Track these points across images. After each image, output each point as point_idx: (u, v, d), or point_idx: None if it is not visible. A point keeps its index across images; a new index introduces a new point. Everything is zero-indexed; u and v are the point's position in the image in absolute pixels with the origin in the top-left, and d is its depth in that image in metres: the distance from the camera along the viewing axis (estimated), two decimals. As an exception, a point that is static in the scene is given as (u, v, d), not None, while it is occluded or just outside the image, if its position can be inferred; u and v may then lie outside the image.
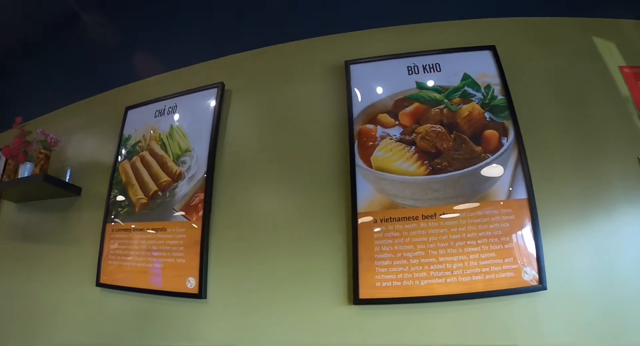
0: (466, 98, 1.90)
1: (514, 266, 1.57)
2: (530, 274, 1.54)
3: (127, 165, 2.45)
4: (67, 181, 2.64)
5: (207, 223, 2.04)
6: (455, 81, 1.95)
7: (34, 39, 3.50)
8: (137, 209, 2.28)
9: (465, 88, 1.92)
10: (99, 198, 2.51)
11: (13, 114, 2.88)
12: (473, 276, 1.58)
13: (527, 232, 1.62)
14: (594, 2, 2.14)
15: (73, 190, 2.61)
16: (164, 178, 2.25)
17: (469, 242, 1.63)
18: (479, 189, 1.71)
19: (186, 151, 2.26)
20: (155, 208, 2.22)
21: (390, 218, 1.74)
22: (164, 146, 2.36)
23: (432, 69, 2.01)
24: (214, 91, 2.35)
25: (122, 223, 2.30)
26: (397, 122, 1.92)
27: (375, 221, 1.75)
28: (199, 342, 1.88)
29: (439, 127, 1.85)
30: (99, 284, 2.24)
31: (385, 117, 1.94)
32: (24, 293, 2.57)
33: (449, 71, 1.99)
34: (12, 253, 2.80)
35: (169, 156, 2.31)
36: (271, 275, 1.87)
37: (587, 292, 1.53)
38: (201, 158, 2.19)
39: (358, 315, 1.68)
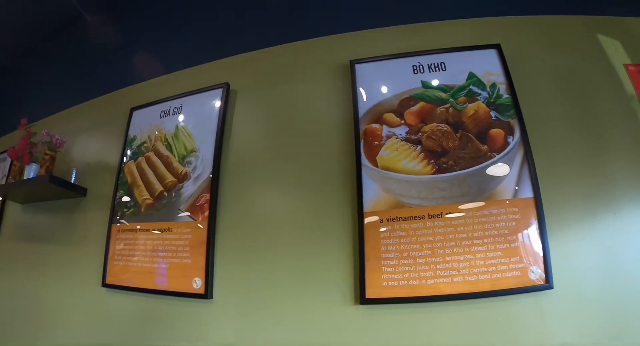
0: (472, 97, 1.89)
1: (520, 265, 1.56)
2: (536, 274, 1.54)
3: (132, 166, 2.45)
4: (72, 182, 2.64)
5: (213, 223, 2.04)
6: (461, 80, 1.94)
7: (38, 40, 3.52)
8: (142, 210, 2.28)
9: (471, 87, 1.91)
10: (104, 198, 2.51)
11: (18, 115, 2.89)
12: (479, 276, 1.58)
13: (533, 231, 1.61)
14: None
15: (78, 191, 2.62)
16: (170, 178, 2.26)
17: (475, 241, 1.63)
18: (485, 188, 1.70)
19: (192, 151, 2.27)
20: (161, 209, 2.22)
21: (397, 217, 1.74)
22: (169, 147, 2.36)
23: (437, 68, 2.00)
24: (219, 91, 2.35)
25: (127, 224, 2.31)
26: (402, 122, 1.92)
27: (381, 220, 1.75)
28: (205, 342, 1.88)
29: (444, 127, 1.85)
30: (104, 284, 2.25)
31: (390, 117, 1.94)
32: (30, 293, 2.58)
33: (454, 69, 1.98)
34: (18, 254, 2.81)
35: (175, 156, 2.31)
36: (277, 275, 1.87)
37: (594, 291, 1.52)
38: (207, 158, 2.19)
39: (364, 315, 1.68)
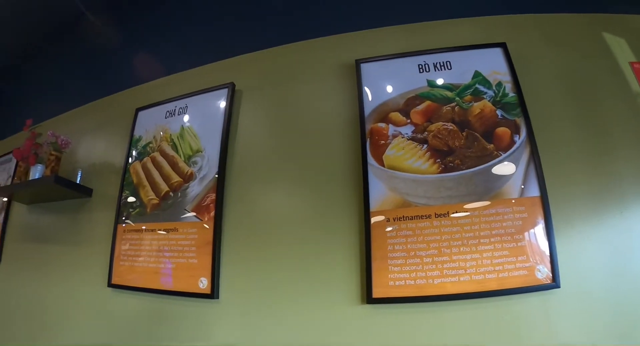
0: (477, 96, 1.89)
1: (527, 264, 1.56)
2: (543, 273, 1.53)
3: (138, 166, 2.46)
4: (78, 182, 2.65)
5: (219, 223, 2.05)
6: (467, 79, 1.94)
7: (43, 41, 3.52)
8: (148, 210, 2.28)
9: (477, 86, 1.91)
10: (110, 199, 2.52)
11: (23, 116, 2.90)
12: (486, 275, 1.57)
13: (540, 230, 1.61)
14: (603, -3, 2.14)
15: (84, 191, 2.62)
16: (175, 178, 2.26)
17: (482, 240, 1.62)
18: (491, 187, 1.70)
19: (197, 151, 2.27)
20: (166, 209, 2.22)
21: (403, 216, 1.74)
22: (174, 147, 2.36)
23: (443, 67, 2.00)
24: (225, 91, 2.36)
25: (133, 224, 2.31)
26: (408, 121, 1.92)
27: (388, 219, 1.75)
28: (212, 342, 1.88)
29: (450, 125, 1.84)
30: (110, 285, 2.25)
31: (396, 116, 1.94)
32: (36, 293, 2.59)
33: (460, 68, 1.98)
34: (23, 255, 2.82)
35: (180, 156, 2.31)
36: (283, 275, 1.87)
37: (601, 290, 1.52)
38: (212, 158, 2.19)
39: (371, 315, 1.68)
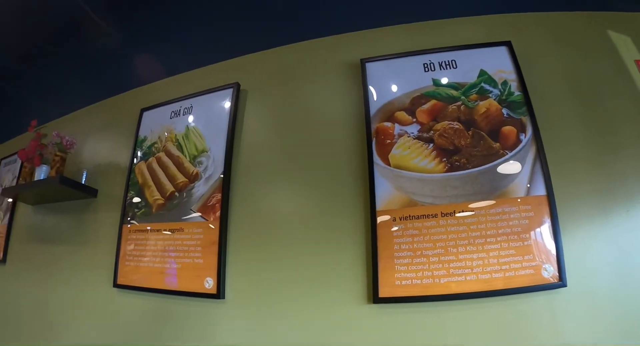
0: (483, 94, 1.89)
1: (533, 264, 1.56)
2: (550, 272, 1.53)
3: (143, 166, 2.46)
4: (83, 183, 2.65)
5: (225, 223, 2.05)
6: (472, 78, 1.94)
7: (47, 42, 3.52)
8: (153, 210, 2.29)
9: (482, 84, 1.91)
10: (115, 199, 2.52)
11: (28, 117, 2.90)
12: (493, 274, 1.57)
13: (546, 229, 1.60)
14: (608, -5, 2.13)
15: (89, 192, 2.63)
16: (181, 178, 2.26)
17: (488, 239, 1.62)
18: (497, 186, 1.70)
19: (202, 151, 2.27)
20: (172, 209, 2.22)
21: (410, 215, 1.73)
22: (180, 147, 2.37)
23: (448, 66, 2.00)
24: (230, 91, 2.36)
25: (138, 224, 2.32)
26: (414, 120, 1.91)
27: (394, 219, 1.75)
28: (218, 342, 1.88)
29: (456, 124, 1.84)
30: (116, 285, 2.25)
31: (402, 115, 1.94)
32: (41, 294, 2.59)
33: (465, 67, 1.98)
34: (28, 255, 2.83)
35: (186, 156, 2.32)
36: (289, 275, 1.87)
37: (607, 289, 1.51)
38: (218, 158, 2.19)
39: (378, 314, 1.68)
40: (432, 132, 1.86)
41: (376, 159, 1.87)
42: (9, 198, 3.12)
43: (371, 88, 2.05)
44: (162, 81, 2.83)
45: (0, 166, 3.53)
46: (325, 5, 2.45)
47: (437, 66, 2.01)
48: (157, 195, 2.30)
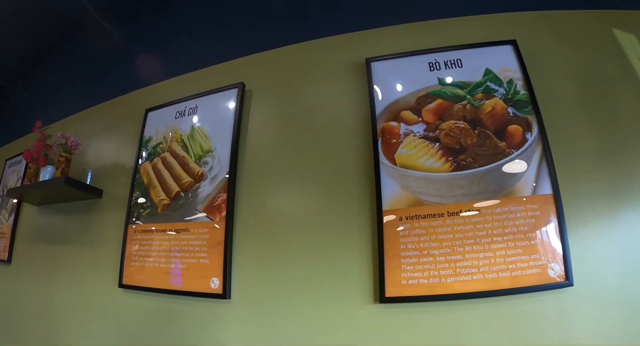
0: (489, 93, 1.88)
1: (540, 263, 1.55)
2: (556, 271, 1.53)
3: (148, 166, 2.46)
4: (88, 183, 2.65)
5: (231, 223, 2.05)
6: (477, 77, 1.94)
7: (52, 43, 3.53)
8: (159, 211, 2.29)
9: (488, 83, 1.90)
10: (120, 199, 2.53)
11: (33, 118, 2.91)
12: (499, 273, 1.57)
13: (552, 228, 1.60)
14: (613, -7, 2.12)
15: (94, 192, 2.64)
16: (186, 178, 2.27)
17: (495, 238, 1.62)
18: (504, 185, 1.69)
19: (208, 151, 2.27)
20: (177, 209, 2.23)
21: (416, 215, 1.73)
22: (185, 147, 2.37)
23: (453, 65, 1.99)
24: (235, 91, 2.35)
25: (144, 224, 2.32)
26: (420, 119, 1.91)
27: (400, 218, 1.75)
28: (223, 342, 1.89)
29: (462, 124, 1.84)
30: (121, 285, 2.26)
31: (408, 114, 1.94)
32: (46, 295, 2.60)
33: (471, 66, 1.97)
34: (33, 256, 2.84)
35: (191, 156, 2.32)
36: (296, 275, 1.87)
37: (614, 287, 1.51)
38: (223, 158, 2.20)
39: (384, 314, 1.68)
40: (438, 131, 1.86)
41: (382, 158, 1.87)
42: (14, 198, 3.13)
43: (376, 87, 2.05)
44: (167, 81, 2.84)
45: (5, 167, 3.54)
46: (330, 5, 2.45)
47: (442, 65, 2.01)
48: (163, 195, 2.30)
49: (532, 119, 1.79)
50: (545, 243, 1.58)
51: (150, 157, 2.50)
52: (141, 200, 2.40)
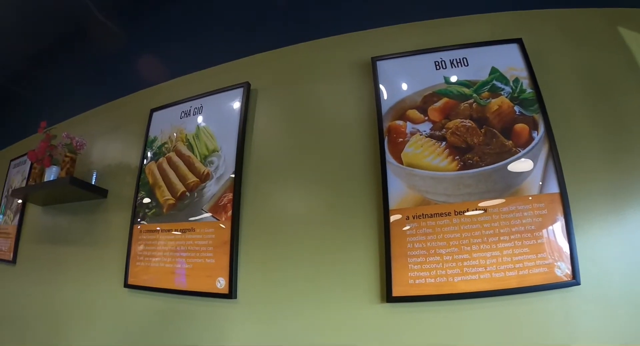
0: (495, 92, 1.88)
1: (547, 262, 1.55)
2: (563, 270, 1.52)
3: (153, 166, 2.47)
4: (93, 183, 2.66)
5: (236, 223, 2.04)
6: (483, 75, 1.93)
7: (57, 44, 3.54)
8: (164, 210, 2.29)
9: (494, 82, 1.90)
10: (125, 199, 2.53)
11: (38, 118, 2.91)
12: (506, 272, 1.56)
13: (559, 226, 1.59)
14: (619, -9, 2.12)
15: (99, 192, 2.64)
16: (192, 178, 2.27)
17: (502, 237, 1.61)
18: (510, 183, 1.69)
19: (213, 151, 2.27)
20: (183, 209, 2.23)
21: (423, 214, 1.73)
22: (190, 147, 2.37)
23: (459, 64, 1.99)
24: (240, 90, 2.35)
25: (149, 224, 2.32)
26: (426, 118, 1.91)
27: (407, 217, 1.74)
28: (230, 342, 1.89)
29: (468, 122, 1.84)
30: (127, 285, 2.26)
31: (414, 113, 1.93)
32: (51, 295, 2.61)
33: (477, 65, 1.97)
34: (38, 256, 2.85)
35: (196, 156, 2.32)
36: (302, 274, 1.87)
37: (621, 286, 1.50)
38: (229, 158, 2.20)
39: (391, 313, 1.67)
40: (444, 130, 1.85)
41: (389, 157, 1.87)
42: (19, 199, 3.14)
43: (382, 87, 2.04)
44: (172, 81, 2.84)
45: (10, 168, 3.55)
46: (336, 4, 2.45)
47: (448, 64, 2.00)
48: (168, 195, 2.31)
49: (539, 117, 1.79)
50: (552, 241, 1.57)
51: (155, 157, 2.50)
52: (146, 200, 2.40)
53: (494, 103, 1.85)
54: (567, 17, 2.06)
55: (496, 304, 1.56)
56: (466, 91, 1.91)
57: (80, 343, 2.31)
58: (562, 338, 1.48)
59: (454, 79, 1.96)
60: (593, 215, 1.63)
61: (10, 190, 3.31)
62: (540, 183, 1.67)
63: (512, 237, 1.60)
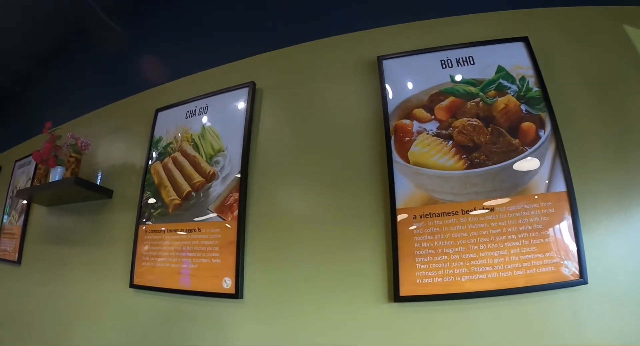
0: (501, 91, 1.87)
1: (554, 261, 1.54)
2: (570, 269, 1.52)
3: (159, 166, 2.46)
4: (98, 184, 2.66)
5: (243, 223, 2.04)
6: (490, 74, 1.93)
7: (62, 45, 3.54)
8: (170, 211, 2.29)
9: (500, 81, 1.89)
10: (131, 200, 2.53)
11: (43, 119, 2.92)
12: (514, 271, 1.56)
13: (567, 225, 1.58)
14: (624, -11, 2.11)
15: (104, 193, 2.64)
16: (198, 178, 2.26)
17: (509, 236, 1.61)
18: (518, 182, 1.68)
19: (219, 151, 2.27)
20: (189, 209, 2.23)
21: (430, 213, 1.72)
22: (196, 147, 2.37)
23: (465, 62, 1.98)
24: (245, 90, 2.35)
25: (155, 224, 2.32)
26: (433, 117, 1.90)
27: (414, 217, 1.74)
28: (236, 342, 1.89)
29: (475, 121, 1.83)
30: (132, 285, 2.26)
31: (420, 112, 1.93)
32: (56, 295, 2.61)
33: (483, 63, 1.96)
34: (43, 256, 2.85)
35: (202, 156, 2.32)
36: (308, 274, 1.87)
37: (629, 285, 1.50)
38: (235, 158, 2.19)
39: (399, 313, 1.67)
40: (451, 129, 1.85)
41: (395, 156, 1.87)
42: (24, 199, 3.15)
43: (388, 86, 2.04)
44: (177, 81, 2.84)
45: (15, 168, 3.56)
46: (341, 3, 2.44)
47: (454, 63, 2.00)
48: (174, 195, 2.31)
49: (545, 116, 1.78)
50: (559, 240, 1.57)
51: (160, 157, 2.50)
52: (152, 200, 2.40)
53: (501, 102, 1.85)
54: (573, 15, 2.05)
55: (504, 303, 1.56)
56: (472, 89, 1.91)
57: (85, 343, 2.32)
58: (570, 337, 1.47)
59: (460, 77, 1.96)
60: (600, 214, 1.62)
61: (15, 191, 3.31)
62: (547, 182, 1.66)
63: (519, 236, 1.60)
